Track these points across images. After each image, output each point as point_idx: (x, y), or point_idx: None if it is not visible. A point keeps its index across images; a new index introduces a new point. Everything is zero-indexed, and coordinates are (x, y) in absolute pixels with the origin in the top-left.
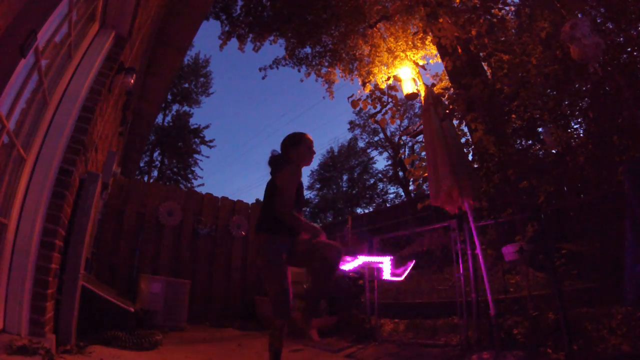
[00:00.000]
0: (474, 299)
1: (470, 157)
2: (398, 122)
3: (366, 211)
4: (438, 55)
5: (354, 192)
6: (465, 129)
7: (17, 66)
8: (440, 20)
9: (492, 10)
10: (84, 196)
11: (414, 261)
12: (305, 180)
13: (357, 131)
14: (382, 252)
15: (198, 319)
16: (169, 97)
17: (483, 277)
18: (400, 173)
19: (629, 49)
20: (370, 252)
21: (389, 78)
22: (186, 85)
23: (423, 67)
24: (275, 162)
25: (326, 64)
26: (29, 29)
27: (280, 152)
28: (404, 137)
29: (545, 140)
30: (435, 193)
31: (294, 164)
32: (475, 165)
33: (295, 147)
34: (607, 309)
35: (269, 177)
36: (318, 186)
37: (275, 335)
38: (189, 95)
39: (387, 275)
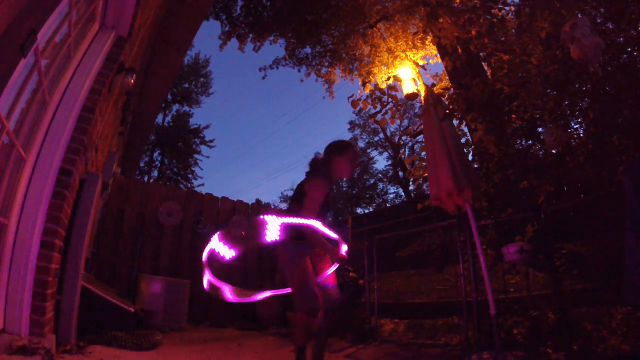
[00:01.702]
0: (474, 299)
1: (470, 157)
2: (398, 122)
3: (366, 211)
4: (438, 55)
5: (354, 192)
6: (465, 129)
7: (17, 66)
8: (440, 20)
9: (492, 10)
10: (84, 196)
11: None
12: None
13: (357, 131)
14: (382, 252)
15: (198, 319)
16: (169, 97)
17: (483, 277)
18: (400, 173)
19: (629, 49)
20: (369, 253)
21: (389, 78)
22: (186, 85)
23: (423, 67)
24: (313, 165)
25: (326, 64)
26: (29, 29)
27: (323, 155)
28: (404, 137)
29: (545, 140)
30: (435, 193)
31: (325, 177)
32: (475, 165)
33: (338, 155)
34: (607, 309)
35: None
36: None
37: (295, 331)
38: (189, 95)
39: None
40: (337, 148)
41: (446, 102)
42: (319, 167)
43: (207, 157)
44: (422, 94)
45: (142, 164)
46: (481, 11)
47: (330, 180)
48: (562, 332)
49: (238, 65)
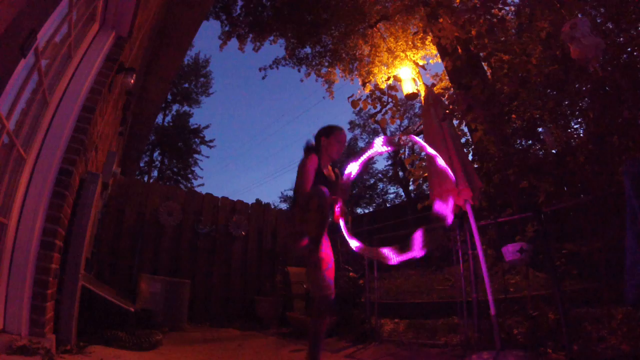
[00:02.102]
0: (474, 299)
1: (470, 157)
2: (398, 122)
3: (366, 211)
4: (438, 55)
5: (353, 192)
6: (465, 129)
7: (17, 66)
8: (440, 20)
9: (492, 10)
10: (84, 196)
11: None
12: None
13: (357, 131)
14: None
15: (198, 319)
16: (169, 97)
17: (483, 277)
18: (400, 173)
19: (629, 49)
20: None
21: (389, 78)
22: (186, 85)
23: (423, 67)
24: (304, 149)
25: (326, 64)
26: (29, 29)
27: (314, 140)
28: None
29: (545, 140)
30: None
31: (313, 153)
32: (475, 165)
33: (325, 136)
34: (607, 309)
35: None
36: None
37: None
38: (189, 95)
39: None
40: (323, 131)
41: (446, 102)
42: (308, 148)
43: (207, 157)
44: (422, 94)
45: (142, 164)
46: (481, 11)
47: (320, 157)
48: (562, 332)
49: (238, 65)
